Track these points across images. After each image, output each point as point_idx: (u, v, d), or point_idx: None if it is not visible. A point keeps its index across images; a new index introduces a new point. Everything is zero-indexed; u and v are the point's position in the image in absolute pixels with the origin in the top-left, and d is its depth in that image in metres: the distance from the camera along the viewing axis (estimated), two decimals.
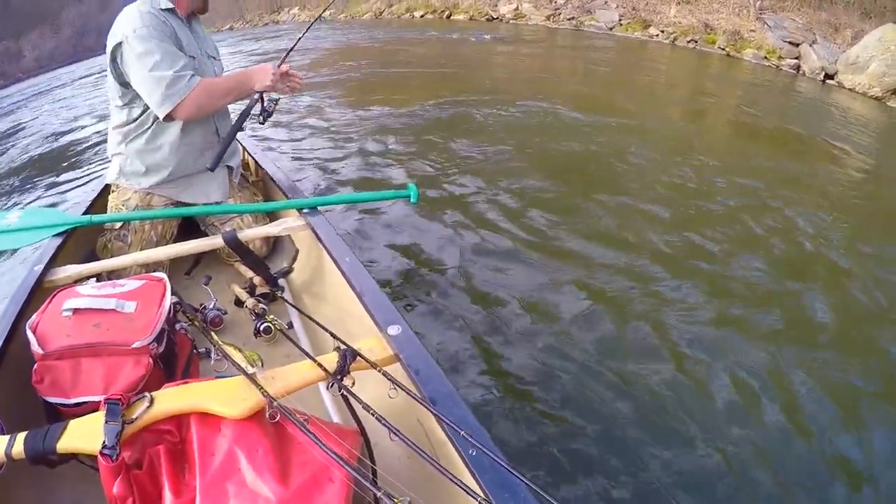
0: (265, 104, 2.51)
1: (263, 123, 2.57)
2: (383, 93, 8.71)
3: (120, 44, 2.20)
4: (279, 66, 2.55)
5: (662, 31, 14.02)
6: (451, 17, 22.04)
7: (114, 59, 2.25)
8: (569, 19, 17.07)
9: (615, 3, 16.18)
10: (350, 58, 13.32)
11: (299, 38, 2.70)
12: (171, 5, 2.33)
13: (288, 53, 2.64)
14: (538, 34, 15.96)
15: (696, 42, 13.05)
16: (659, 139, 6.00)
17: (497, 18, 19.95)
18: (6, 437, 1.25)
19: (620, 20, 15.44)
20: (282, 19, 36.41)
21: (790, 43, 11.52)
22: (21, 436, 1.23)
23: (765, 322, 3.05)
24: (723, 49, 12.43)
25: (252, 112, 2.52)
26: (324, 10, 3.08)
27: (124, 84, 2.29)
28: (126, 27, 2.18)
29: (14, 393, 1.55)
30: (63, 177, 6.46)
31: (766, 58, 11.60)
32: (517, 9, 19.40)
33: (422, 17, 23.76)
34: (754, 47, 12.00)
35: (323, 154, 5.76)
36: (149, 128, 2.35)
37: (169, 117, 2.26)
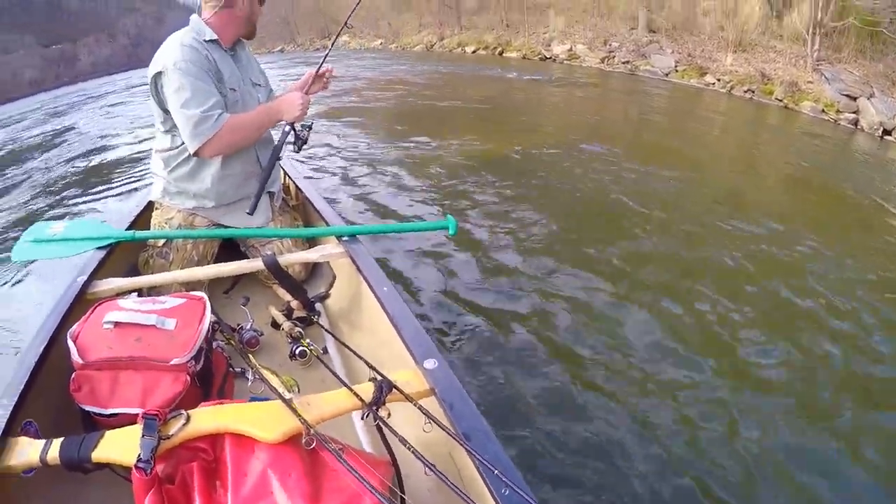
0: (298, 132, 2.57)
1: (299, 152, 2.64)
2: (428, 126, 8.83)
3: (160, 73, 2.29)
4: (311, 80, 2.67)
5: (719, 80, 13.94)
6: (504, 54, 22.27)
7: (155, 86, 2.34)
8: (623, 63, 17.08)
9: (671, 48, 16.20)
10: (398, 89, 13.56)
11: (327, 53, 2.78)
12: (214, 37, 2.41)
13: (319, 67, 2.71)
14: (591, 77, 15.98)
15: (753, 92, 12.92)
16: (711, 194, 5.91)
17: (550, 58, 19.99)
18: (41, 442, 1.31)
19: (676, 66, 15.41)
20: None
21: (848, 96, 11.36)
22: (57, 442, 1.29)
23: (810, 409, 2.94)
24: (780, 100, 12.28)
25: (287, 141, 2.58)
26: (345, 22, 3.16)
27: (166, 110, 2.37)
28: (167, 58, 2.27)
29: (51, 399, 1.60)
30: (107, 187, 6.69)
31: (823, 111, 11.43)
32: (571, 49, 19.50)
33: (473, 52, 24.08)
34: (812, 100, 11.82)
35: (363, 181, 5.87)
36: (190, 157, 2.41)
37: (198, 153, 2.34)
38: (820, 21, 12.43)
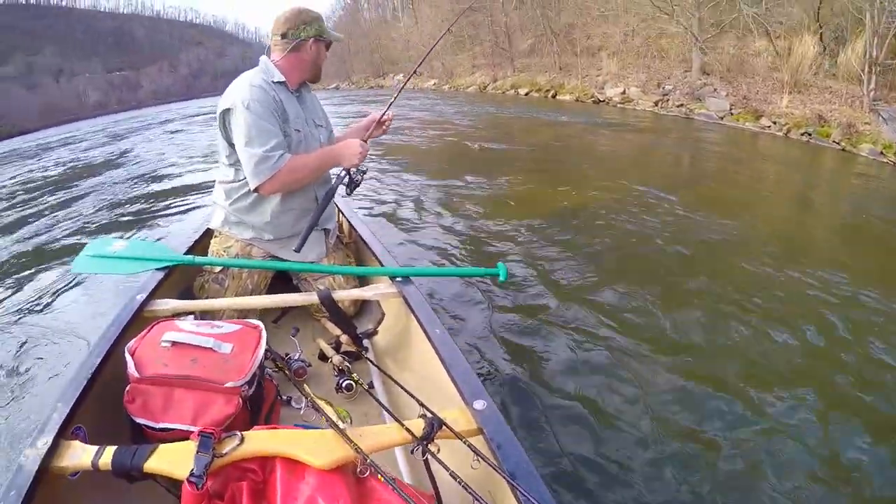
0: (353, 176, 2.66)
1: (351, 195, 2.74)
2: (480, 168, 8.86)
3: (229, 110, 2.42)
4: (373, 126, 2.79)
5: (775, 123, 13.68)
6: (557, 97, 22.41)
7: (223, 121, 2.47)
8: (678, 106, 16.96)
9: (725, 91, 16.06)
10: (450, 129, 13.83)
11: (391, 103, 2.88)
12: (282, 78, 2.54)
13: (383, 113, 2.84)
14: (645, 120, 15.83)
15: (810, 135, 12.62)
16: (769, 244, 5.58)
17: (604, 101, 19.98)
18: (94, 447, 1.39)
19: (731, 110, 15.24)
20: (386, 84, 38.11)
21: None
22: (110, 449, 1.37)
23: None
24: (838, 143, 11.93)
25: (341, 183, 2.68)
26: (414, 69, 3.32)
27: (231, 144, 2.50)
28: (236, 96, 2.40)
29: (101, 408, 1.68)
30: (162, 210, 7.05)
31: (882, 153, 11.02)
32: (624, 92, 19.48)
33: (526, 94, 24.31)
34: (870, 141, 11.43)
35: (415, 221, 5.97)
36: (252, 191, 2.52)
37: (257, 190, 2.46)
38: (875, 59, 12.22)
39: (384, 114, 2.83)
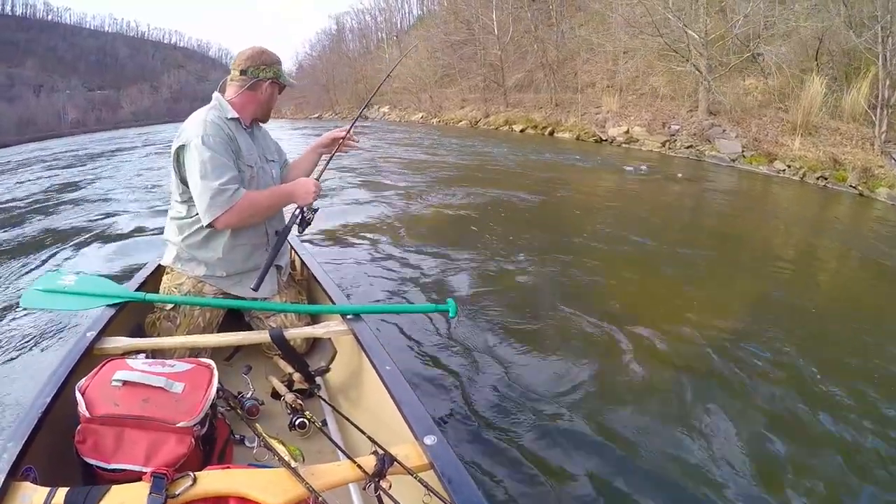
0: (305, 214, 2.87)
1: (302, 233, 2.96)
2: (447, 205, 9.26)
3: (183, 146, 2.63)
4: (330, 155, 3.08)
5: (789, 166, 13.96)
6: (555, 134, 22.74)
7: (177, 159, 2.68)
8: (686, 147, 17.19)
9: (734, 132, 16.32)
10: (433, 165, 14.33)
11: (353, 122, 3.21)
12: (236, 115, 2.79)
13: (348, 131, 3.09)
14: (653, 162, 15.74)
15: (826, 179, 12.88)
16: (796, 308, 5.44)
17: (606, 140, 20.21)
18: (46, 490, 1.47)
19: (743, 152, 15.51)
20: (371, 116, 38.68)
21: None
22: (62, 491, 1.45)
23: None
24: (854, 187, 12.12)
25: (294, 221, 2.90)
26: (367, 101, 3.57)
27: (184, 181, 2.69)
28: (191, 133, 2.61)
29: (52, 449, 1.78)
30: (116, 243, 7.36)
31: None
32: (628, 132, 19.74)
33: (521, 131, 24.71)
34: (887, 185, 11.66)
35: (367, 258, 6.27)
36: (205, 226, 2.70)
37: (211, 225, 2.64)
38: (887, 101, 12.59)
39: (348, 131, 3.12)
